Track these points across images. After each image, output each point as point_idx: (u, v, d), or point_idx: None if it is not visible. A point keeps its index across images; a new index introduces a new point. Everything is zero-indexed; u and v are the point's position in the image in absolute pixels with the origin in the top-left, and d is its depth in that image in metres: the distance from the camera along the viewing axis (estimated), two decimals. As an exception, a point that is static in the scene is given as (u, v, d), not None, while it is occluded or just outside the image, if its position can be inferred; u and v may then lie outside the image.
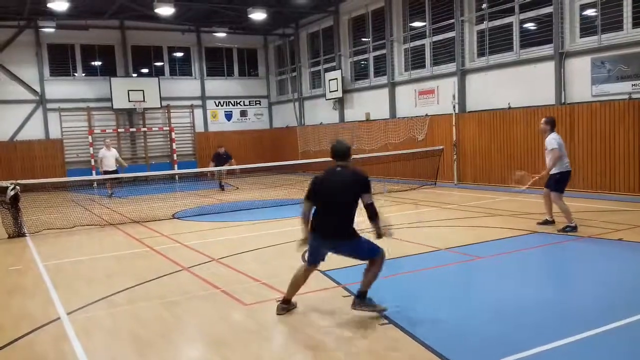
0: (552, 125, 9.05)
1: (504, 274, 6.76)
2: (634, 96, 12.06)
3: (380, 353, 4.41)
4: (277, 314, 5.39)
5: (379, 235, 5.23)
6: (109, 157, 17.09)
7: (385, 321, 5.02)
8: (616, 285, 6.10)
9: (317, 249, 5.36)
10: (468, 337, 4.65)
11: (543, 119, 9.25)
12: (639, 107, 11.92)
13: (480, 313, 5.24)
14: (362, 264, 6.93)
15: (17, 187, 10.81)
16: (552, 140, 8.79)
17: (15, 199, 10.76)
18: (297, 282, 5.46)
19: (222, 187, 18.03)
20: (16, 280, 7.47)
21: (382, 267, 5.29)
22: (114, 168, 17.02)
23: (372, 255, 5.26)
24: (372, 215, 5.14)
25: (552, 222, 9.10)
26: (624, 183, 12.38)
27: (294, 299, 5.53)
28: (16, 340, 5.07)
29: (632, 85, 12.10)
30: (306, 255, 5.66)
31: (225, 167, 17.23)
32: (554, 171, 8.81)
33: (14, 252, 9.45)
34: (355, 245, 5.24)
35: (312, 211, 5.33)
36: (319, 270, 6.91)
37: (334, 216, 5.18)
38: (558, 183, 8.88)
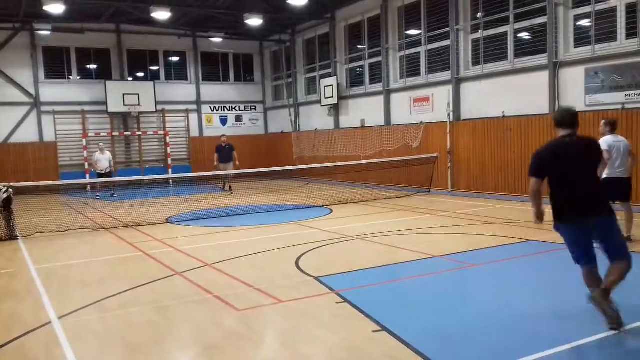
0: (611, 127, 8.33)
1: (498, 282, 6.77)
2: (627, 106, 12.15)
3: (373, 360, 4.40)
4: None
5: None
6: (103, 161, 17.89)
7: (379, 328, 5.02)
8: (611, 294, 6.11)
9: (580, 239, 4.72)
10: (462, 345, 4.65)
11: (602, 121, 8.52)
12: (632, 118, 12.01)
13: (474, 320, 5.24)
14: (361, 269, 6.90)
15: (10, 190, 10.77)
16: (603, 143, 7.93)
17: (8, 201, 10.72)
18: (591, 282, 4.89)
19: (224, 188, 18.54)
20: (7, 283, 7.41)
21: (627, 273, 4.69)
22: (108, 170, 17.95)
23: (623, 251, 4.73)
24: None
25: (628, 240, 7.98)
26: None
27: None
28: (6, 344, 5.03)
29: (625, 95, 12.18)
30: (574, 257, 4.98)
31: (230, 172, 17.56)
32: (603, 176, 8.10)
33: (5, 255, 9.39)
34: (615, 224, 4.73)
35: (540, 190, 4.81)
36: (313, 276, 6.94)
37: (585, 189, 4.58)
38: (603, 189, 8.28)
